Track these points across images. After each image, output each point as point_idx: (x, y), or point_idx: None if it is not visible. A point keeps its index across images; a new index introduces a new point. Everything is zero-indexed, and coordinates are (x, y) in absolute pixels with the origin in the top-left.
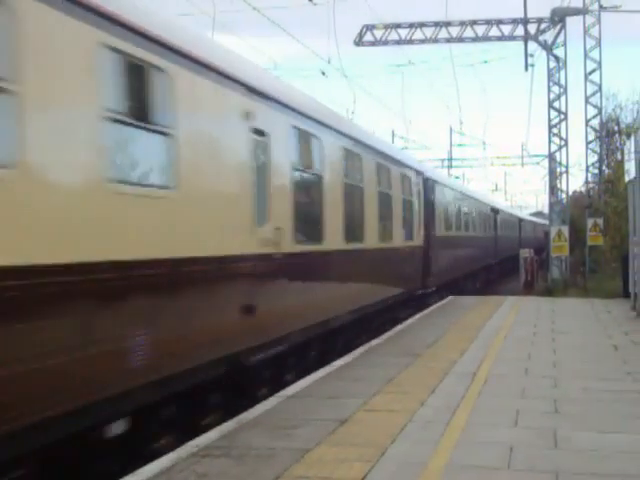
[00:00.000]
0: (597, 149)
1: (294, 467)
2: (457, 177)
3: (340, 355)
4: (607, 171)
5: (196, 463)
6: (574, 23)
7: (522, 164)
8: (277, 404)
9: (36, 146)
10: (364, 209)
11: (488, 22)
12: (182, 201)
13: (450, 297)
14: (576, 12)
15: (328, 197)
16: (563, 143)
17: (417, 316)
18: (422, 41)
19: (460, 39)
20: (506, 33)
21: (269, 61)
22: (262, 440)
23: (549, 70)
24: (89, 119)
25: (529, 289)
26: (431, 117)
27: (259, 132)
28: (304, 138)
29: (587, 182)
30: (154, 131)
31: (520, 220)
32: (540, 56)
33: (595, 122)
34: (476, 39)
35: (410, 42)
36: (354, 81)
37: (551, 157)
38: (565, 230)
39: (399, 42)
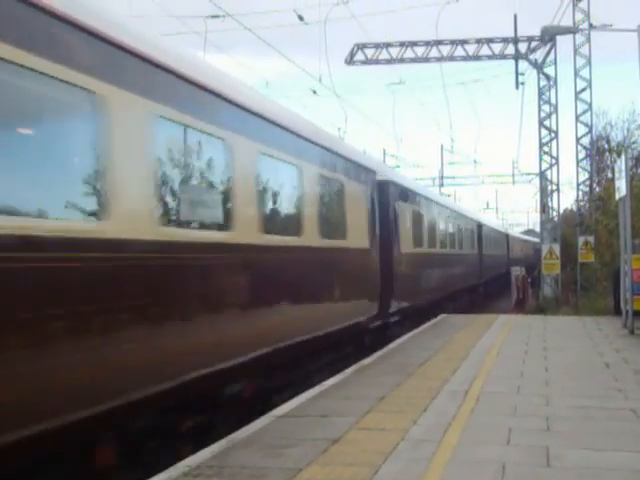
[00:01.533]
0: (588, 167)
1: None
2: (448, 195)
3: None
4: (598, 189)
5: None
6: (564, 42)
7: (513, 182)
8: (269, 423)
9: None
10: (455, 235)
11: (479, 41)
12: None
13: (442, 315)
14: (566, 31)
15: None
16: (554, 161)
17: (408, 335)
18: (413, 60)
19: (451, 58)
20: (497, 52)
21: (260, 80)
22: (254, 460)
23: (540, 89)
24: None
25: (521, 307)
26: (422, 135)
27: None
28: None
29: (578, 200)
30: None
31: (524, 241)
32: (531, 75)
33: (586, 140)
34: (467, 58)
35: (401, 61)
36: (345, 100)
37: (542, 175)
38: (556, 248)
39: (390, 61)
